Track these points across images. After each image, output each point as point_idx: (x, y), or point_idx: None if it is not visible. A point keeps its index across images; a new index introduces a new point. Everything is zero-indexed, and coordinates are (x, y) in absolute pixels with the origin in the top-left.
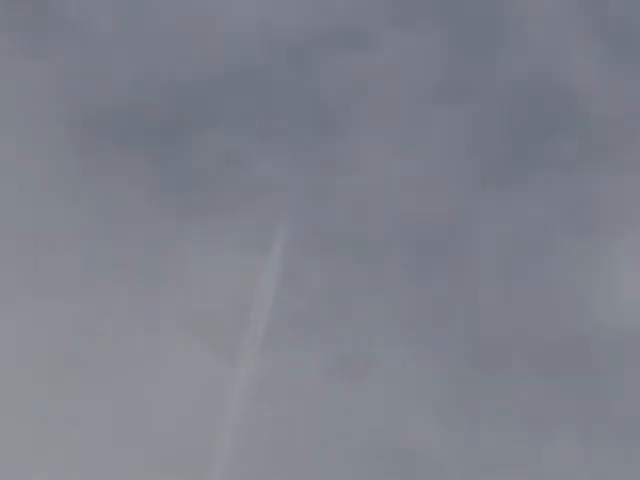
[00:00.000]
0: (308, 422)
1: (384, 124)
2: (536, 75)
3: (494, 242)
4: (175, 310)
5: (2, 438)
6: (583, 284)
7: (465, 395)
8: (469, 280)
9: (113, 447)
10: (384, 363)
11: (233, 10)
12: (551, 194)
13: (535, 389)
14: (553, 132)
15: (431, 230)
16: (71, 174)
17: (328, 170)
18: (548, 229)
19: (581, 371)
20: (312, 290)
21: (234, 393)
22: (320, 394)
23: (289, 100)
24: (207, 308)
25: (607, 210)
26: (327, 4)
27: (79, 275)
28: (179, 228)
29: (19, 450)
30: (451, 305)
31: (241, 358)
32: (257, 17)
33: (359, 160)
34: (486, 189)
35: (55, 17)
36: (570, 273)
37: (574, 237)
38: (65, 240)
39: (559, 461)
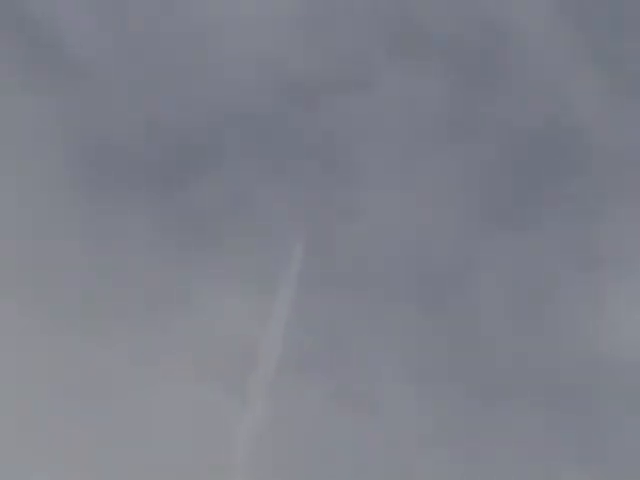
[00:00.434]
0: (315, 457)
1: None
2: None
3: (496, 279)
4: (183, 350)
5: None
6: (585, 318)
7: (467, 427)
8: (472, 315)
9: None
10: (388, 400)
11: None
12: (555, 230)
13: (535, 421)
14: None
15: (436, 264)
16: (78, 211)
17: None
18: (550, 264)
19: (582, 403)
20: (318, 330)
21: (242, 432)
22: (326, 430)
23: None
24: (215, 348)
25: (609, 246)
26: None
27: (92, 314)
28: (188, 269)
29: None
30: (457, 341)
31: (250, 397)
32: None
33: (362, 203)
34: (490, 226)
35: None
36: (572, 307)
37: (576, 272)
38: (73, 275)
39: None
